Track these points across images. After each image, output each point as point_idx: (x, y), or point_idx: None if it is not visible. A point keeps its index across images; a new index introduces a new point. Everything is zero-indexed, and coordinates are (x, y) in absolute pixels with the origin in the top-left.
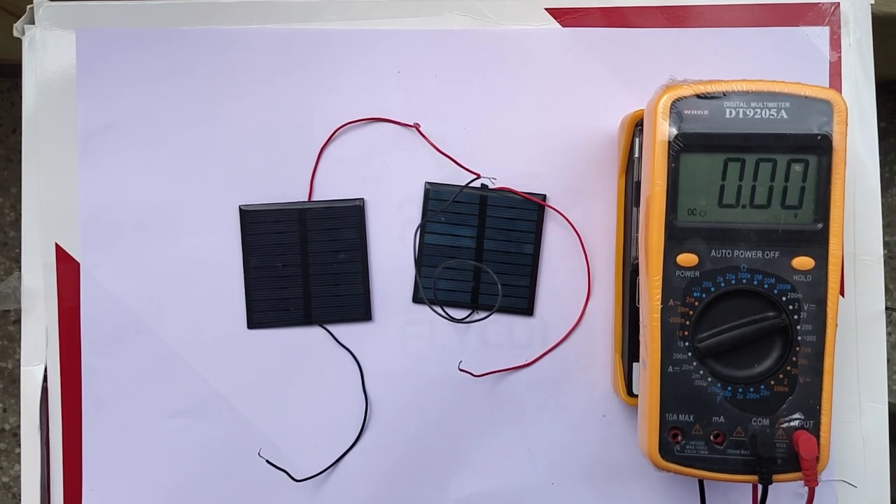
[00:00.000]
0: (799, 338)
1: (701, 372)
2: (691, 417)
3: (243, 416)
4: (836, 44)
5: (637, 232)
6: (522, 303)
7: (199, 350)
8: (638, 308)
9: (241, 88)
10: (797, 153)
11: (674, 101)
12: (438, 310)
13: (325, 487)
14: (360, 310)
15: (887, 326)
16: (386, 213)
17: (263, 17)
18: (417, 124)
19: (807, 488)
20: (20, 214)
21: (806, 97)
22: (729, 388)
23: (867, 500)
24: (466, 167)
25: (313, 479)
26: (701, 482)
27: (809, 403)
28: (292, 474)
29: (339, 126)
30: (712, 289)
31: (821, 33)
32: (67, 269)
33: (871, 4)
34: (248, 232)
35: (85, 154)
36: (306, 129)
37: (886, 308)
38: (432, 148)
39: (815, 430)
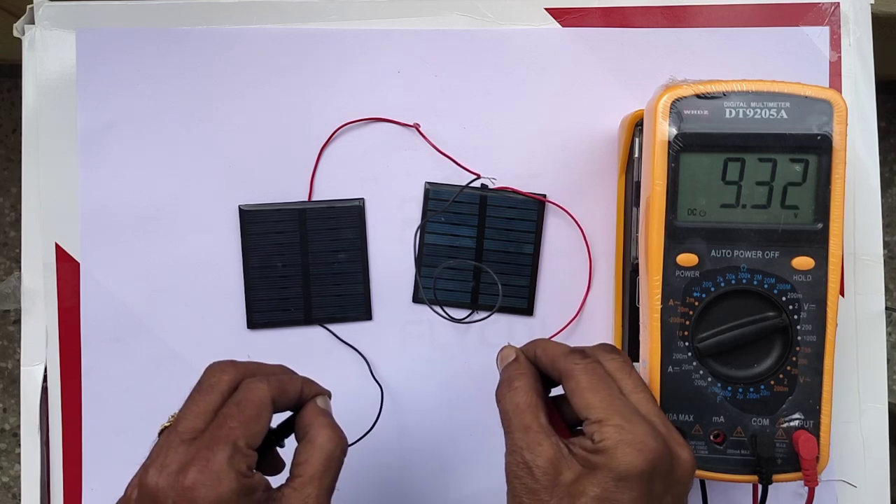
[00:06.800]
0: (799, 338)
1: (701, 372)
2: (691, 417)
3: None
4: (836, 44)
5: (637, 232)
6: (522, 303)
7: (199, 350)
8: (638, 308)
9: (241, 88)
10: (797, 153)
11: (674, 101)
12: (438, 310)
13: None
14: (360, 309)
15: (887, 326)
16: (386, 213)
17: (263, 17)
18: (417, 124)
19: (807, 488)
20: (20, 214)
21: (806, 97)
22: (729, 388)
23: (867, 500)
24: (466, 167)
25: None
26: (702, 482)
27: (809, 403)
28: None
29: (339, 126)
30: (712, 289)
31: (821, 33)
32: (67, 269)
33: (871, 4)
34: (248, 232)
35: (85, 154)
36: (306, 129)
37: (886, 308)
38: (432, 148)
39: (815, 430)
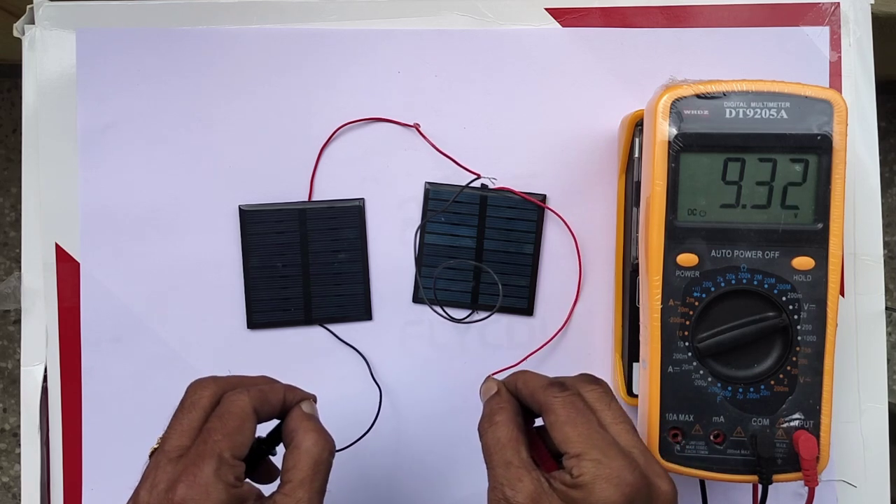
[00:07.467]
0: (799, 338)
1: (701, 372)
2: (691, 417)
3: None
4: (836, 44)
5: (637, 232)
6: (522, 303)
7: (199, 350)
8: (638, 308)
9: (241, 88)
10: (797, 153)
11: (674, 101)
12: (438, 310)
13: None
14: (360, 309)
15: (887, 326)
16: (386, 213)
17: (263, 17)
18: (417, 124)
19: (807, 488)
20: (20, 214)
21: (806, 97)
22: (729, 388)
23: (867, 500)
24: (466, 167)
25: None
26: (702, 482)
27: (809, 403)
28: None
29: (339, 126)
30: (712, 289)
31: (821, 33)
32: (67, 269)
33: (871, 4)
34: (248, 232)
35: (85, 154)
36: (306, 129)
37: (886, 308)
38: (432, 148)
39: (815, 430)
